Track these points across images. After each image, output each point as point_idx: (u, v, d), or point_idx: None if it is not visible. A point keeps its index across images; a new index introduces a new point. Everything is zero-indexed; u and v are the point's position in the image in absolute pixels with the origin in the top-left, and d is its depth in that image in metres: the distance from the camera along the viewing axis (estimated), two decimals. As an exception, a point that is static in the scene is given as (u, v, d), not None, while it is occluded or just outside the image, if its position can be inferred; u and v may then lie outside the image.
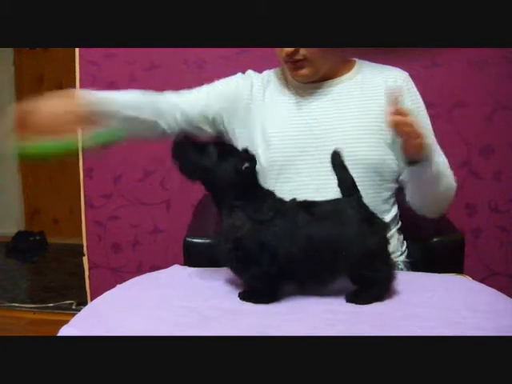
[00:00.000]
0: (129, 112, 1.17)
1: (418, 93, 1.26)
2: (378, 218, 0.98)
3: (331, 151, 1.13)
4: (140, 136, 1.26)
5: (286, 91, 1.26)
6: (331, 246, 0.91)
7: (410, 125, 1.03)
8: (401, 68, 1.27)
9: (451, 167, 1.24)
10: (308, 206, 0.96)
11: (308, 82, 1.23)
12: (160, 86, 2.17)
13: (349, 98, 1.21)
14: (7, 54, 3.88)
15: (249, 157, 0.96)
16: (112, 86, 2.15)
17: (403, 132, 1.04)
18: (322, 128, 1.19)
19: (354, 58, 1.29)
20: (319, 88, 1.23)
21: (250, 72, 1.33)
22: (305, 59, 1.16)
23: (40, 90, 4.16)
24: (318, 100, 1.22)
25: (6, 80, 3.95)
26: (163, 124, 1.23)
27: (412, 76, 1.26)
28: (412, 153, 1.09)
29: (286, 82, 1.27)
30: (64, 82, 3.77)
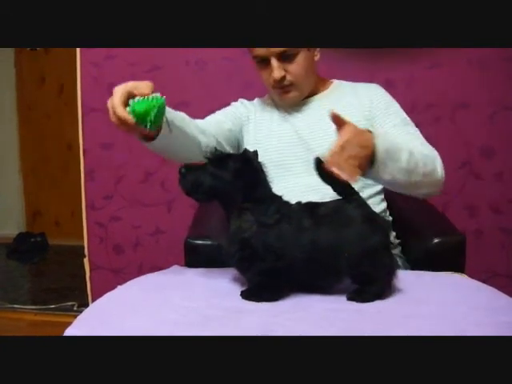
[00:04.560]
0: (179, 123, 1.16)
1: (388, 94, 1.37)
2: (380, 217, 0.99)
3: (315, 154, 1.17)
4: (182, 153, 1.24)
5: (275, 110, 1.39)
6: (334, 247, 0.92)
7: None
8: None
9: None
10: (311, 209, 0.97)
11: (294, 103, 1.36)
12: (161, 88, 2.18)
13: (324, 110, 1.28)
14: (8, 54, 3.88)
15: (243, 157, 0.99)
16: (113, 87, 2.15)
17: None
18: (306, 135, 1.31)
19: (332, 79, 1.44)
20: (302, 105, 1.37)
21: (242, 100, 1.46)
22: (291, 84, 1.28)
23: (41, 91, 4.18)
24: (301, 113, 1.36)
25: (6, 81, 3.95)
26: (203, 141, 1.25)
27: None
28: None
29: (274, 103, 1.41)
30: (65, 84, 3.78)
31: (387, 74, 1.94)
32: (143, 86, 1.03)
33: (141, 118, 0.99)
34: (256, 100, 1.46)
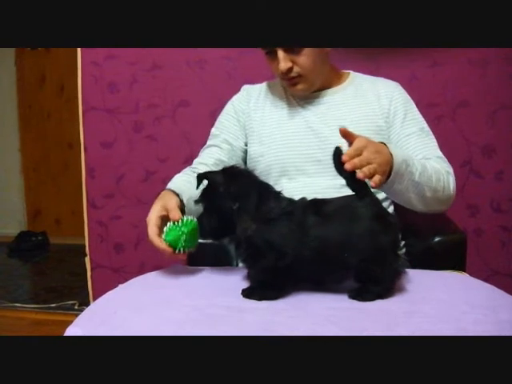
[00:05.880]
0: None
1: (408, 97, 1.34)
2: (392, 216, 0.96)
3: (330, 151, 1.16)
4: None
5: (285, 100, 1.35)
6: (343, 242, 0.90)
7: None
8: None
9: (452, 166, 1.24)
10: (317, 206, 0.95)
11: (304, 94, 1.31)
12: (162, 87, 2.19)
13: (343, 105, 1.30)
14: (9, 54, 3.89)
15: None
16: (113, 86, 2.16)
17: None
18: (320, 131, 1.27)
19: (348, 71, 1.40)
20: (316, 97, 1.33)
21: (245, 87, 1.43)
22: (299, 76, 1.25)
23: (42, 90, 4.18)
24: (315, 107, 1.31)
25: (7, 81, 3.96)
26: None
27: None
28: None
29: (285, 92, 1.36)
30: (65, 83, 3.79)
31: (388, 74, 1.93)
32: (173, 208, 1.05)
33: (172, 245, 1.03)
34: (265, 87, 1.41)
